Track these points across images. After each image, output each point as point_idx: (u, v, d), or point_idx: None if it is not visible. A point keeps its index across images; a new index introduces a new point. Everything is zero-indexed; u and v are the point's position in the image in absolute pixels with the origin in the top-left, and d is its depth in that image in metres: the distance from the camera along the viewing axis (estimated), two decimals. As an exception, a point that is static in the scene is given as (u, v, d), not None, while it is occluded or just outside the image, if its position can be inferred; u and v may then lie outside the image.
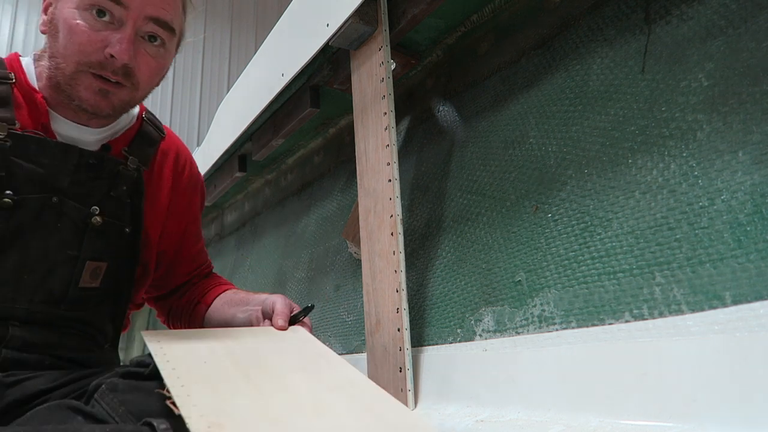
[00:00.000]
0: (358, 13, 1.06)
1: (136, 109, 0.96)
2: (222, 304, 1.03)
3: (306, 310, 0.91)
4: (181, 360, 0.70)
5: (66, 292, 0.86)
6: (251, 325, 0.93)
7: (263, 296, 0.96)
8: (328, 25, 1.14)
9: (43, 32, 0.83)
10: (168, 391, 0.62)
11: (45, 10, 0.83)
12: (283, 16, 1.44)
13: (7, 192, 0.80)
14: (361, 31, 1.08)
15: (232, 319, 0.98)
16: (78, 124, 0.87)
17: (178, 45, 0.90)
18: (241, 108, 1.66)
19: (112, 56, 0.79)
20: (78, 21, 0.78)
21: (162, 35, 0.83)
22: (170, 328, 1.12)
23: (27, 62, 0.88)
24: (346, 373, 0.74)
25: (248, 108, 1.60)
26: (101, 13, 0.78)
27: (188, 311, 1.07)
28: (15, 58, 0.88)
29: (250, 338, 0.82)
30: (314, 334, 0.88)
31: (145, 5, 0.80)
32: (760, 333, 0.55)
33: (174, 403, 0.59)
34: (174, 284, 1.09)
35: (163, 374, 0.65)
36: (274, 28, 1.48)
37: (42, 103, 0.84)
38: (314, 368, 0.74)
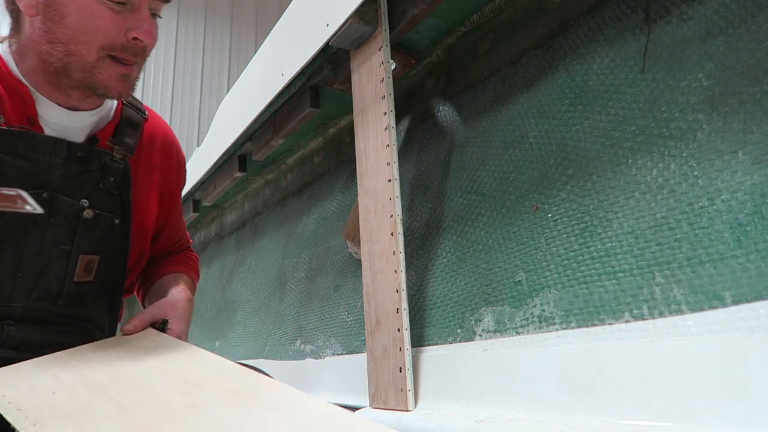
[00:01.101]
0: (358, 13, 1.06)
1: None
2: (156, 288, 1.02)
3: (162, 324, 0.87)
4: (26, 397, 0.62)
5: (62, 287, 0.86)
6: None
7: (170, 296, 0.93)
8: (328, 25, 1.14)
9: (31, 15, 0.79)
10: None
11: None
12: (283, 16, 1.44)
13: None
14: (361, 31, 1.08)
15: None
16: (69, 109, 0.85)
17: None
18: (241, 108, 1.66)
19: (135, 39, 0.79)
20: (98, 6, 0.77)
21: (160, 11, 0.85)
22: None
23: (2, 49, 0.85)
24: (210, 362, 0.70)
25: (248, 108, 1.60)
26: (122, 3, 0.78)
27: (145, 287, 1.07)
28: None
29: (99, 354, 0.77)
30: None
31: None
32: (760, 333, 0.55)
33: None
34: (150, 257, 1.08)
35: (9, 418, 0.57)
36: (274, 28, 1.48)
37: (28, 96, 0.82)
38: (175, 366, 0.70)
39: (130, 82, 0.83)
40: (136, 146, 0.96)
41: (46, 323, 0.85)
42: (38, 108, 0.83)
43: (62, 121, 0.85)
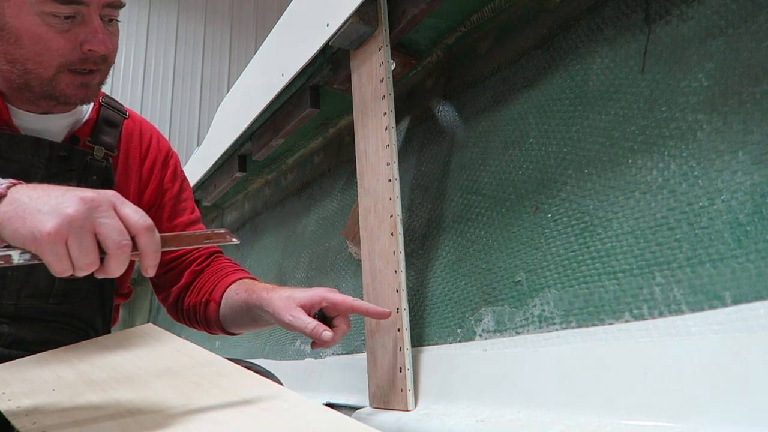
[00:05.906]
0: (358, 13, 1.06)
1: None
2: (237, 301, 0.97)
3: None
4: (25, 395, 0.62)
5: (52, 285, 0.86)
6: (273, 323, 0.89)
7: (285, 291, 0.88)
8: (328, 25, 1.14)
9: None
10: None
11: None
12: (283, 16, 1.44)
13: None
14: (361, 31, 1.08)
15: (253, 321, 0.93)
16: (40, 114, 0.87)
17: None
18: (241, 108, 1.66)
19: (90, 50, 0.81)
20: (45, 27, 0.78)
21: (117, 15, 0.85)
22: (191, 327, 1.07)
23: None
24: (209, 362, 0.70)
25: (248, 108, 1.60)
26: (70, 17, 0.79)
27: (202, 312, 1.03)
28: None
29: (99, 351, 0.76)
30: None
31: None
32: (760, 333, 0.55)
33: None
34: (164, 260, 1.04)
35: (9, 416, 0.56)
36: (274, 28, 1.48)
37: (0, 100, 0.84)
38: (175, 366, 0.70)
39: (91, 88, 0.85)
40: (116, 145, 0.96)
41: (39, 321, 0.85)
42: (11, 113, 0.85)
43: (35, 124, 0.87)
